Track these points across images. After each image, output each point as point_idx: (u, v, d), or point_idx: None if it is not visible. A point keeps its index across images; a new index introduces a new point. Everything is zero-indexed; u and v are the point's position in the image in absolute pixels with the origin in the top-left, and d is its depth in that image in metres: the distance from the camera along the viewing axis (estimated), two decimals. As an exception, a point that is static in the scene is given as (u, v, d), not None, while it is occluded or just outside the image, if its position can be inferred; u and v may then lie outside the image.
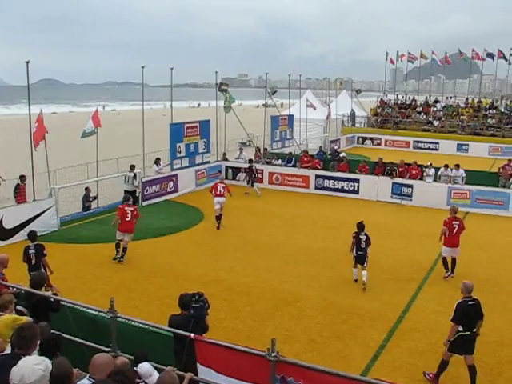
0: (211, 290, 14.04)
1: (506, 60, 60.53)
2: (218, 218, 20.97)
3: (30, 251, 13.18)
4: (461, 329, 10.12)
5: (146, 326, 8.34)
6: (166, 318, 8.53)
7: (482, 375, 10.76)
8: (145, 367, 7.01)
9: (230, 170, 29.96)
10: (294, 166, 30.03)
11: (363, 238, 15.21)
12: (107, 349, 7.65)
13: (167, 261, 16.99)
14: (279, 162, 30.65)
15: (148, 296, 14.12)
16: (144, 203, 23.75)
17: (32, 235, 13.61)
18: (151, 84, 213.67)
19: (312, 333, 12.37)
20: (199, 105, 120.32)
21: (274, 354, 6.56)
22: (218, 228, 20.75)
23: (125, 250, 16.92)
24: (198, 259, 17.22)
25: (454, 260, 16.24)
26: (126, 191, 22.79)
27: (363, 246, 15.30)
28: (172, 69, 27.72)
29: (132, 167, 23.83)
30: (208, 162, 29.23)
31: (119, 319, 8.02)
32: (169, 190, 25.56)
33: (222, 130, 30.14)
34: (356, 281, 15.60)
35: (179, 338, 7.75)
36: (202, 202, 24.58)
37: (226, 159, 30.59)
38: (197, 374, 7.22)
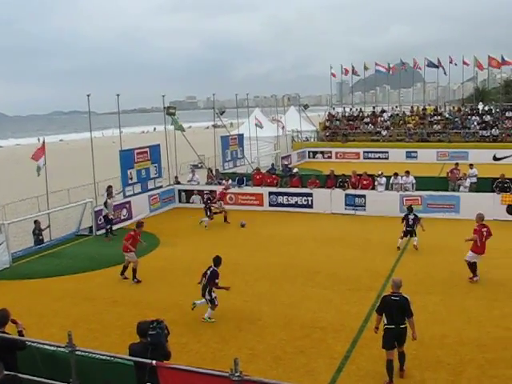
0: (172, 315, 13.96)
1: (444, 70, 62.33)
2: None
3: (208, 271, 14.02)
4: (386, 322, 10.71)
5: (107, 358, 8.20)
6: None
7: (445, 375, 10.97)
8: None
9: (183, 193, 29.84)
10: (246, 185, 30.04)
11: (411, 217, 19.71)
12: (67, 384, 7.51)
13: (125, 289, 16.76)
14: (230, 182, 30.65)
15: (108, 326, 13.89)
16: (98, 232, 23.44)
17: (216, 260, 14.23)
18: (99, 112, 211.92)
19: (276, 350, 12.35)
20: (155, 129, 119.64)
21: (237, 374, 6.55)
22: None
23: (132, 270, 17.54)
24: (157, 285, 17.05)
25: (474, 264, 16.64)
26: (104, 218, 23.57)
27: (411, 223, 20.03)
28: (118, 95, 27.61)
29: (108, 194, 23.83)
30: (161, 187, 29.05)
31: (79, 352, 7.86)
32: (122, 217, 25.28)
33: (173, 153, 30.08)
34: (398, 248, 19.96)
35: (139, 367, 7.65)
36: (157, 227, 24.40)
37: (178, 182, 30.49)
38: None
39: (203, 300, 14.22)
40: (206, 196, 26.78)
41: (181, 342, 12.47)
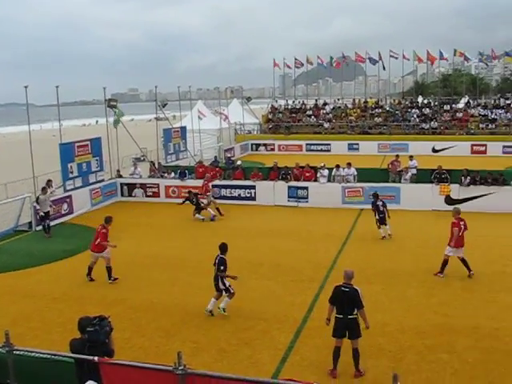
0: (115, 310, 13.81)
1: (383, 65, 63.39)
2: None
3: (216, 260, 14.02)
4: (336, 311, 10.90)
5: (48, 356, 8.02)
6: (70, 344, 8.26)
7: (386, 362, 11.21)
8: None
9: (125, 187, 29.47)
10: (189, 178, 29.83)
11: (380, 203, 20.18)
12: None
13: (67, 285, 16.44)
14: (172, 175, 30.44)
15: (49, 324, 13.60)
16: (38, 228, 22.91)
17: (222, 247, 14.24)
18: (38, 104, 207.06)
19: (220, 342, 12.37)
20: (97, 122, 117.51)
21: (181, 368, 6.52)
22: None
23: (106, 269, 16.63)
24: (99, 280, 16.76)
25: (463, 259, 16.41)
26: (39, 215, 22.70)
27: (381, 209, 20.46)
28: (57, 87, 27.00)
29: (42, 189, 22.96)
30: (102, 181, 28.60)
31: (17, 352, 7.67)
32: (63, 212, 24.77)
33: (115, 146, 29.66)
34: (384, 237, 20.48)
35: (78, 363, 7.52)
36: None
37: (120, 176, 30.09)
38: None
39: (226, 299, 13.95)
40: (189, 195, 25.83)
41: (124, 336, 12.35)
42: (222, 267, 13.88)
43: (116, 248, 18.73)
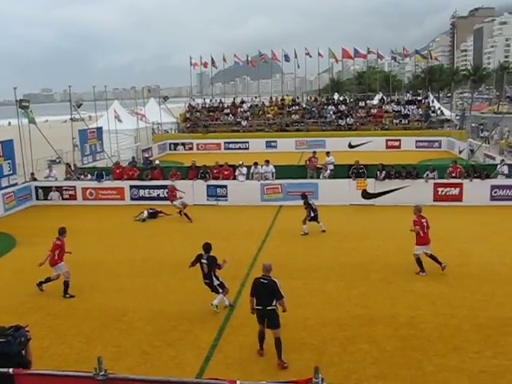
0: (32, 318, 13.41)
1: (297, 63, 64.42)
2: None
3: (203, 260, 13.85)
4: (255, 303, 11.37)
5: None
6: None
7: (309, 355, 11.39)
8: None
9: (40, 190, 28.61)
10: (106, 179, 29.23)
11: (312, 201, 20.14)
12: None
13: (-20, 294, 15.79)
14: (89, 177, 29.79)
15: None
16: None
17: (207, 247, 14.07)
18: None
19: (143, 345, 12.20)
20: (10, 123, 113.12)
21: (101, 373, 6.36)
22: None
23: (63, 284, 15.42)
24: (16, 288, 16.20)
25: (432, 255, 16.32)
26: None
27: (314, 207, 20.93)
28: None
29: None
30: (15, 184, 27.64)
31: None
32: (-26, 218, 23.82)
33: (28, 148, 28.74)
34: (306, 234, 20.62)
35: None
36: (14, 227, 23.27)
37: (35, 179, 29.16)
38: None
39: (220, 296, 13.86)
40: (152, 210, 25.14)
41: (42, 345, 11.98)
42: (218, 263, 13.96)
43: (32, 254, 18.23)
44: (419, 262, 16.28)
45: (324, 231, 21.10)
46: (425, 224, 16.31)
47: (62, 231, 16.04)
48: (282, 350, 11.12)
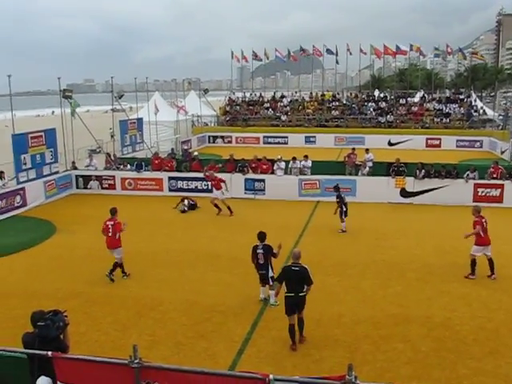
0: (70, 304, 13.59)
1: (337, 59, 63.92)
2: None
3: (258, 250, 13.73)
4: (286, 290, 11.62)
5: (-2, 352, 7.84)
6: (23, 339, 8.09)
7: (342, 353, 11.35)
8: (44, 380, 6.70)
9: (80, 179, 29.04)
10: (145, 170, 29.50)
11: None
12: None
13: (20, 279, 16.13)
14: (128, 167, 30.12)
15: (0, 319, 13.33)
16: (-10, 221, 22.44)
17: (261, 235, 14.02)
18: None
19: (177, 335, 12.31)
20: (53, 112, 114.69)
21: (136, 361, 6.47)
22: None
23: (115, 266, 15.85)
24: (54, 274, 16.52)
25: (491, 259, 15.75)
26: None
27: (346, 201, 20.52)
28: (10, 76, 26.38)
29: None
30: (57, 173, 28.10)
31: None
32: (16, 204, 24.26)
33: (70, 138, 29.18)
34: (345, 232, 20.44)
35: (30, 357, 7.38)
36: (54, 214, 23.69)
37: (75, 168, 29.61)
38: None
39: (272, 292, 13.67)
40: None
41: (79, 331, 12.17)
42: (274, 252, 13.82)
43: (71, 241, 18.57)
44: (474, 263, 15.71)
45: (345, 231, 20.74)
46: (485, 224, 15.74)
47: (114, 211, 16.10)
48: (304, 328, 11.84)
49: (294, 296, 11.47)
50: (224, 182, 24.33)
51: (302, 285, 11.48)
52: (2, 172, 24.34)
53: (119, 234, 15.83)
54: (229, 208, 23.73)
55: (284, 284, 11.86)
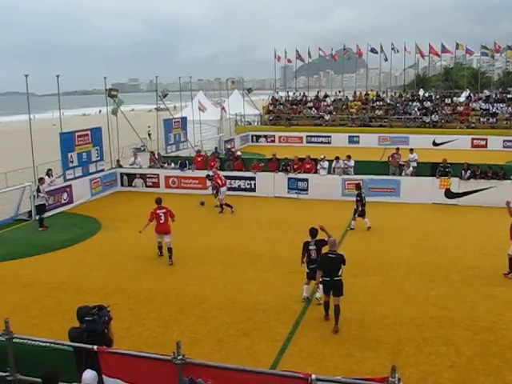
0: (114, 299, 13.81)
1: (385, 56, 63.21)
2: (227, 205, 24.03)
3: (311, 247, 13.87)
4: (323, 275, 12.70)
5: (47, 344, 8.04)
6: (69, 333, 8.28)
7: (385, 354, 11.25)
8: (90, 373, 6.85)
9: (125, 177, 29.47)
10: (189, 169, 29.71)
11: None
12: (4, 373, 7.32)
13: (66, 274, 16.47)
14: (172, 165, 30.39)
15: (48, 313, 13.64)
16: (37, 217, 22.88)
17: (313, 232, 14.08)
18: (38, 93, 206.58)
19: (219, 333, 12.40)
20: (100, 111, 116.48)
21: (179, 358, 6.54)
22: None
23: (169, 250, 17.31)
24: (99, 270, 16.82)
25: None
26: (36, 206, 22.34)
27: (365, 201, 20.55)
28: (58, 76, 26.90)
29: (39, 180, 22.75)
30: (102, 170, 28.56)
31: (16, 340, 7.67)
32: (63, 201, 24.78)
33: (115, 136, 29.63)
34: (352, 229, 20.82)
35: (77, 351, 7.55)
36: (99, 211, 24.09)
37: (120, 166, 30.06)
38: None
39: (319, 287, 13.60)
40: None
41: (123, 326, 12.37)
42: (325, 240, 13.83)
43: (115, 238, 18.87)
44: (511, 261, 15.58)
45: (369, 228, 20.81)
46: None
47: (160, 200, 18.14)
48: (340, 317, 12.39)
49: (329, 280, 12.53)
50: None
51: (338, 270, 12.47)
52: (50, 169, 24.85)
53: (172, 219, 17.71)
54: (221, 206, 24.28)
55: (322, 270, 12.77)
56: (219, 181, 24.60)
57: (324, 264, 12.73)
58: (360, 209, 20.85)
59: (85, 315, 7.94)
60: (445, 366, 10.79)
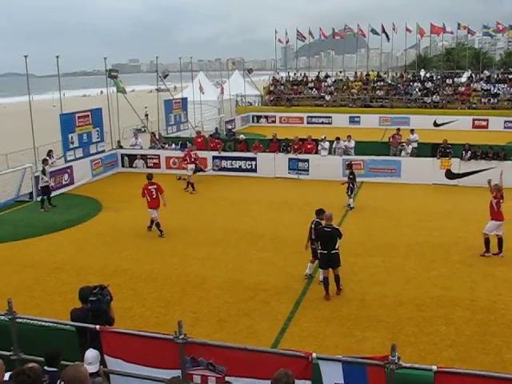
0: (116, 280, 13.89)
1: (387, 36, 62.74)
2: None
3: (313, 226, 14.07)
4: (320, 247, 13.21)
5: (49, 324, 8.10)
6: (71, 313, 8.33)
7: (385, 334, 11.33)
8: (93, 352, 6.91)
9: (125, 158, 29.45)
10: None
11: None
12: (8, 353, 7.38)
13: (68, 255, 16.54)
14: (173, 146, 30.35)
15: (50, 293, 13.72)
16: (39, 198, 22.89)
17: (320, 211, 14.31)
18: (38, 74, 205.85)
19: (220, 312, 12.47)
20: (102, 92, 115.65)
21: (181, 337, 6.59)
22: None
23: (158, 224, 18.12)
24: (100, 250, 16.89)
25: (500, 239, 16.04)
26: (41, 187, 22.22)
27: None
28: (58, 57, 26.77)
29: (43, 161, 22.73)
30: (103, 151, 28.52)
31: (19, 320, 7.73)
32: (64, 182, 24.79)
33: (115, 117, 29.57)
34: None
35: (81, 332, 7.60)
36: (100, 192, 24.12)
37: (121, 147, 30.03)
38: (105, 367, 7.12)
39: (310, 264, 14.20)
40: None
41: (125, 306, 12.45)
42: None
43: (116, 219, 18.92)
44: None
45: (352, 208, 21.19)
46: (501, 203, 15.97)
47: (151, 176, 18.99)
48: (340, 282, 13.24)
49: (326, 253, 13.02)
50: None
51: (335, 243, 13.00)
52: (51, 151, 24.82)
53: (161, 195, 18.30)
54: (192, 185, 24.68)
55: (319, 243, 13.28)
56: (187, 158, 25.42)
57: (321, 237, 13.24)
58: (353, 186, 21.25)
59: (88, 295, 7.99)
60: (444, 345, 10.87)
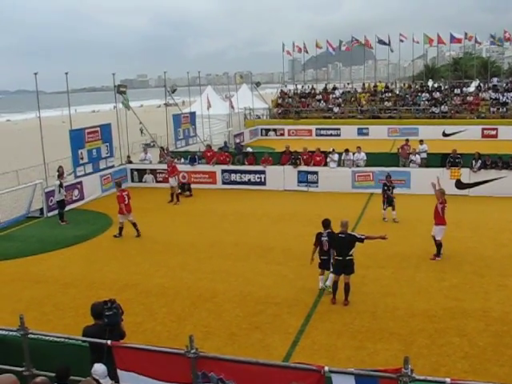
0: (127, 294, 13.93)
1: (390, 47, 62.75)
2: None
3: (323, 238, 14.05)
4: (335, 254, 13.54)
5: (61, 339, 8.11)
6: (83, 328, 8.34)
7: (397, 346, 11.26)
8: (100, 368, 6.91)
9: (135, 173, 29.55)
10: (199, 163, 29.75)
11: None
12: (20, 368, 7.38)
13: (79, 270, 16.57)
14: (182, 161, 30.41)
15: (62, 309, 13.74)
16: (50, 214, 23.03)
17: (326, 222, 14.32)
18: (48, 91, 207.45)
19: (231, 326, 12.44)
20: (115, 107, 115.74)
21: (192, 351, 6.58)
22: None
23: (135, 225, 19.78)
24: (111, 265, 16.91)
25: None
26: (57, 202, 22.50)
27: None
28: (67, 73, 27.00)
29: (59, 175, 22.94)
30: (112, 167, 28.63)
31: (31, 336, 7.74)
32: (74, 198, 24.88)
33: (124, 132, 29.69)
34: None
35: (96, 349, 7.59)
36: (110, 207, 24.10)
37: (130, 162, 30.14)
38: (118, 382, 7.12)
39: (332, 275, 13.89)
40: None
41: (136, 321, 12.45)
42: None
43: (126, 234, 18.98)
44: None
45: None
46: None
47: (120, 183, 21.05)
48: (349, 293, 13.36)
49: (341, 260, 13.31)
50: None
51: (349, 249, 13.24)
52: (61, 167, 24.94)
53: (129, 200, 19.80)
54: (177, 196, 25.60)
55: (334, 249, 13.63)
56: (168, 168, 26.17)
57: (335, 244, 13.56)
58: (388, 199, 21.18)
59: (101, 311, 8.00)
60: (458, 357, 10.78)
